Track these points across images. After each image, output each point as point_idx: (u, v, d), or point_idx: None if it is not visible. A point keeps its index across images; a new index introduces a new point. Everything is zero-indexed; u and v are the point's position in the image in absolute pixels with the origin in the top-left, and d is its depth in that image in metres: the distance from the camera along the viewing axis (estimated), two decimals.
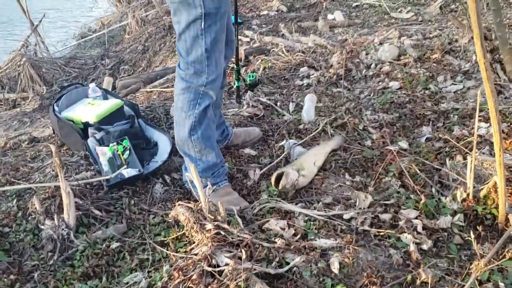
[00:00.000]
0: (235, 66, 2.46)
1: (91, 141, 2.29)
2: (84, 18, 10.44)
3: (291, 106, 2.73)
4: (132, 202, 1.92)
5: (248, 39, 4.17)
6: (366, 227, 1.64)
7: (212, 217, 1.57)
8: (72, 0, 10.80)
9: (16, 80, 4.58)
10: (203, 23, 1.71)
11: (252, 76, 2.68)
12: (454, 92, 2.67)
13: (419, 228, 1.62)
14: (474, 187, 1.74)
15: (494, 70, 2.81)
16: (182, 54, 1.83)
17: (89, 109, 2.46)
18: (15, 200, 1.92)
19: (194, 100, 1.84)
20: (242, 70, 3.43)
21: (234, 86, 2.68)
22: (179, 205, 1.70)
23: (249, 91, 2.92)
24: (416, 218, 1.68)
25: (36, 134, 2.91)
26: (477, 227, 1.64)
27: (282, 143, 2.29)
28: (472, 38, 3.26)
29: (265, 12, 5.11)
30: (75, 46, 6.49)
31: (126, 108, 2.53)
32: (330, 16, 4.70)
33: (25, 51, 4.60)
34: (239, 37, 4.23)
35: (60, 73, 4.55)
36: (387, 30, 3.87)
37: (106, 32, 6.26)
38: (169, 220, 1.74)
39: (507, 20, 3.94)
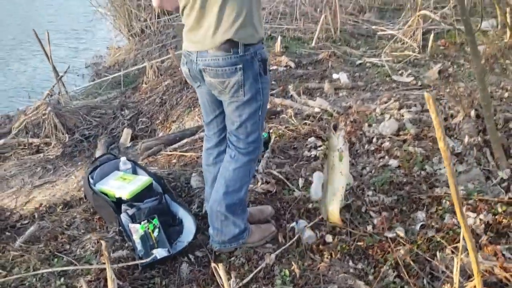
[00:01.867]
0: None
1: (124, 217, 2.59)
2: (95, 45, 10.85)
3: (301, 182, 3.03)
4: (163, 282, 2.22)
5: None
6: None
7: None
8: (90, 27, 11.14)
9: (40, 126, 4.89)
10: (260, 112, 2.26)
11: (264, 135, 3.02)
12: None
13: None
14: (460, 282, 2.03)
15: (484, 154, 3.12)
16: (241, 138, 2.31)
17: (122, 184, 2.77)
18: (62, 278, 2.21)
19: (252, 169, 2.43)
20: None
21: None
22: None
23: (261, 161, 3.23)
24: None
25: (69, 197, 3.21)
26: None
27: (293, 224, 2.59)
28: (467, 116, 3.58)
29: (275, 67, 5.45)
30: (91, 86, 6.84)
31: (154, 184, 2.83)
32: (335, 76, 5.03)
33: (49, 100, 4.92)
34: None
35: (81, 121, 4.87)
36: (388, 97, 4.20)
37: (122, 74, 6.60)
38: None
39: (499, 91, 4.24)
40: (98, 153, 4.32)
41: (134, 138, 4.69)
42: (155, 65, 5.58)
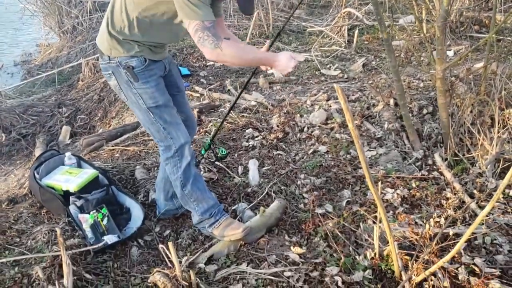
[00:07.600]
0: (209, 140, 2.96)
1: (72, 208, 2.70)
2: (24, 42, 10.49)
3: (240, 169, 3.27)
4: (115, 265, 2.37)
5: (198, 95, 4.69)
6: (301, 284, 2.21)
7: (186, 283, 2.07)
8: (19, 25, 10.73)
9: None
10: (151, 114, 2.32)
11: (223, 151, 3.21)
12: (369, 158, 3.33)
13: (340, 283, 2.21)
14: (380, 247, 2.36)
15: (401, 137, 3.51)
16: (155, 138, 2.43)
17: (69, 178, 2.87)
18: (16, 268, 2.31)
19: (175, 166, 2.43)
20: None
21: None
22: (157, 271, 2.18)
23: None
24: (337, 274, 2.27)
25: (13, 193, 3.25)
26: (382, 280, 2.26)
27: (234, 207, 2.82)
28: (387, 104, 3.97)
29: (211, 63, 5.65)
30: (24, 84, 6.69)
31: (100, 177, 2.96)
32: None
33: None
34: (190, 92, 4.74)
35: (18, 120, 4.82)
36: (317, 90, 4.54)
37: (56, 72, 6.52)
38: (149, 284, 2.21)
39: (416, 82, 4.70)
40: (37, 151, 4.33)
41: (73, 135, 4.73)
42: (91, 62, 5.59)
